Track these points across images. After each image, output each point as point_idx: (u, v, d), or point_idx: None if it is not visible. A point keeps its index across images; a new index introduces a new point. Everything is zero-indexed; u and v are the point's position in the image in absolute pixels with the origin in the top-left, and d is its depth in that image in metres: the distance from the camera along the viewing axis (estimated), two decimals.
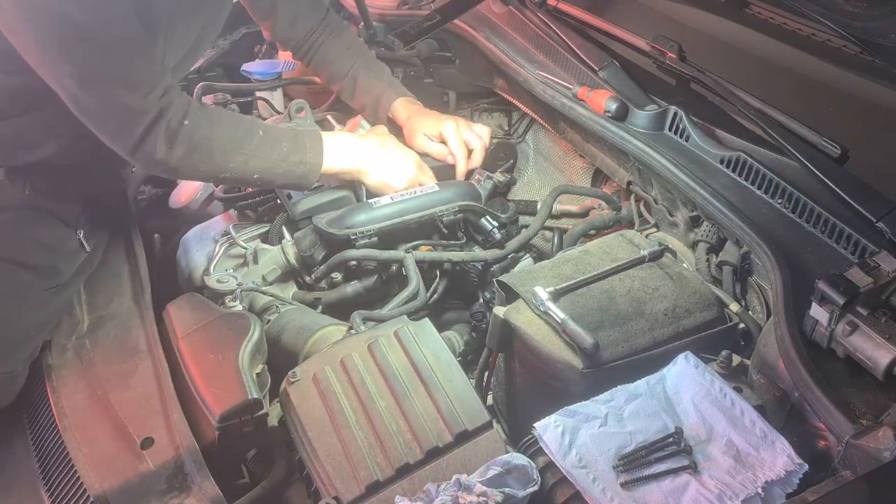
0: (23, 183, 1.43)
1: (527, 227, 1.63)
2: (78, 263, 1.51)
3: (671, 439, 0.99)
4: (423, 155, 1.71)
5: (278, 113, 1.94)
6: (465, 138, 1.71)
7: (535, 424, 1.03)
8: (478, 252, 1.56)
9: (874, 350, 0.98)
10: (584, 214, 1.78)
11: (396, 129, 1.77)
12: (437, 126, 1.72)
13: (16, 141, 1.40)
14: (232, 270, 1.50)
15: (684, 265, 1.33)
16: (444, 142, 1.72)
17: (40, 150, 1.39)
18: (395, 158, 1.59)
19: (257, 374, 1.26)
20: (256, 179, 1.47)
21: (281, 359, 1.35)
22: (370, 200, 1.56)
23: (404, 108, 1.77)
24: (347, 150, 1.53)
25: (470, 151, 1.72)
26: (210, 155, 1.37)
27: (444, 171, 1.71)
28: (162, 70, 1.35)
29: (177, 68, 1.55)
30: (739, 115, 1.42)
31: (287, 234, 1.58)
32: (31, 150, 1.40)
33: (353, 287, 1.52)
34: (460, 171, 1.72)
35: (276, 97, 2.04)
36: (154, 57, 1.34)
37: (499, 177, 1.73)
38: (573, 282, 1.23)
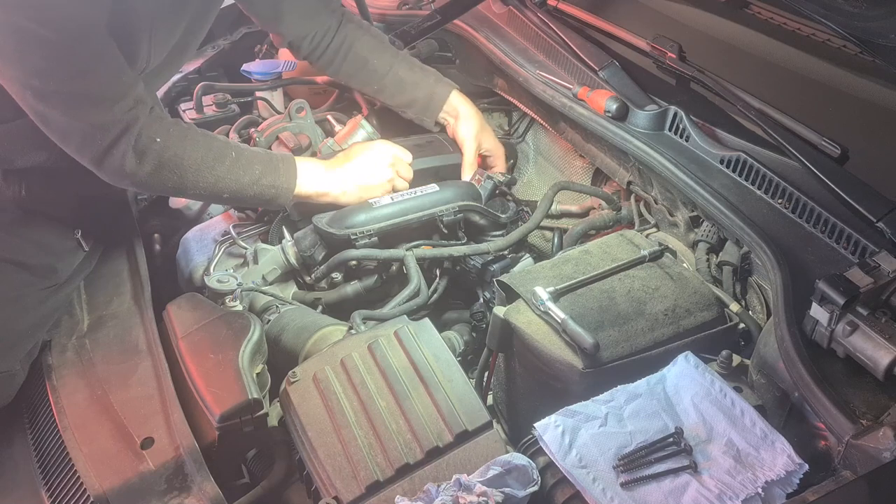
0: (19, 185, 1.42)
1: None
2: (76, 262, 1.51)
3: (671, 439, 0.99)
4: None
5: (278, 113, 1.94)
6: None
7: (536, 424, 1.03)
8: (479, 245, 1.55)
9: (874, 350, 0.98)
10: (584, 214, 1.78)
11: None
12: (491, 146, 1.79)
13: (8, 146, 1.39)
14: (232, 270, 1.50)
15: (684, 265, 1.33)
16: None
17: (34, 155, 1.39)
18: (367, 175, 1.57)
19: (257, 374, 1.27)
20: (226, 199, 1.50)
21: (281, 359, 1.35)
22: (370, 200, 1.56)
23: (460, 100, 1.77)
24: (319, 177, 1.52)
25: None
26: (180, 173, 1.38)
27: (450, 170, 1.72)
28: (131, 81, 1.33)
29: (162, 69, 1.54)
30: (739, 115, 1.42)
31: (287, 234, 1.58)
32: (24, 155, 1.40)
33: (353, 287, 1.52)
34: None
35: (276, 97, 2.04)
36: (122, 68, 1.31)
37: (499, 177, 1.73)
38: (573, 282, 1.23)
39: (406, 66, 1.77)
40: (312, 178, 1.51)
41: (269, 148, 1.83)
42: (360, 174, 1.56)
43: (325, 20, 1.75)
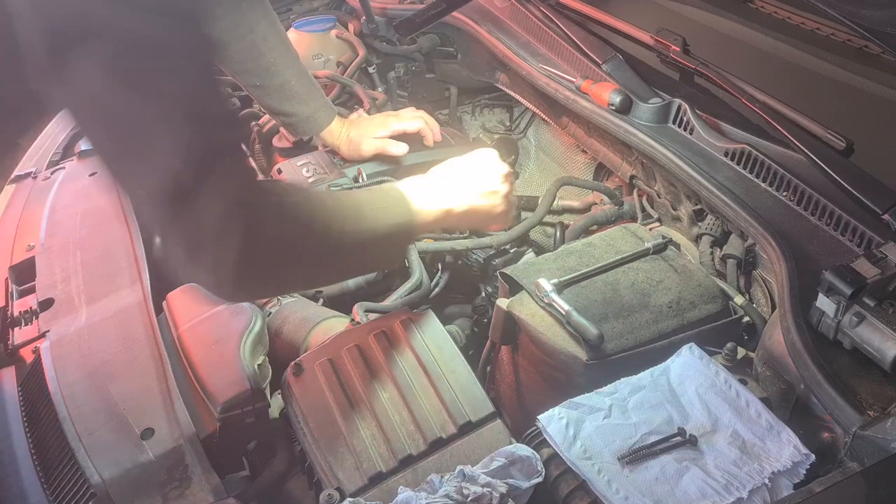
0: None
1: None
2: None
3: (677, 437, 0.98)
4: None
5: None
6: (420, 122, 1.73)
7: (539, 416, 1.03)
8: (482, 239, 1.55)
9: (881, 341, 0.97)
10: (585, 210, 1.77)
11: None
12: (382, 125, 1.70)
13: None
14: None
15: (688, 258, 1.33)
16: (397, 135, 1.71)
17: None
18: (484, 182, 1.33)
19: (258, 365, 1.26)
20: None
21: (282, 351, 1.34)
22: None
23: (340, 127, 1.70)
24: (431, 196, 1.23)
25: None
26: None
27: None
28: None
29: None
30: (744, 107, 1.41)
31: None
32: None
33: (354, 280, 1.51)
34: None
35: None
36: None
37: None
38: (577, 274, 1.22)
39: (301, 77, 1.64)
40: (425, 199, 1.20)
41: (270, 141, 1.83)
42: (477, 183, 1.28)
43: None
